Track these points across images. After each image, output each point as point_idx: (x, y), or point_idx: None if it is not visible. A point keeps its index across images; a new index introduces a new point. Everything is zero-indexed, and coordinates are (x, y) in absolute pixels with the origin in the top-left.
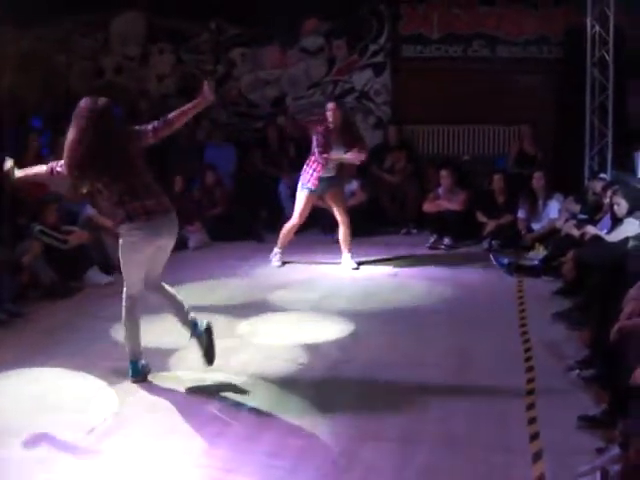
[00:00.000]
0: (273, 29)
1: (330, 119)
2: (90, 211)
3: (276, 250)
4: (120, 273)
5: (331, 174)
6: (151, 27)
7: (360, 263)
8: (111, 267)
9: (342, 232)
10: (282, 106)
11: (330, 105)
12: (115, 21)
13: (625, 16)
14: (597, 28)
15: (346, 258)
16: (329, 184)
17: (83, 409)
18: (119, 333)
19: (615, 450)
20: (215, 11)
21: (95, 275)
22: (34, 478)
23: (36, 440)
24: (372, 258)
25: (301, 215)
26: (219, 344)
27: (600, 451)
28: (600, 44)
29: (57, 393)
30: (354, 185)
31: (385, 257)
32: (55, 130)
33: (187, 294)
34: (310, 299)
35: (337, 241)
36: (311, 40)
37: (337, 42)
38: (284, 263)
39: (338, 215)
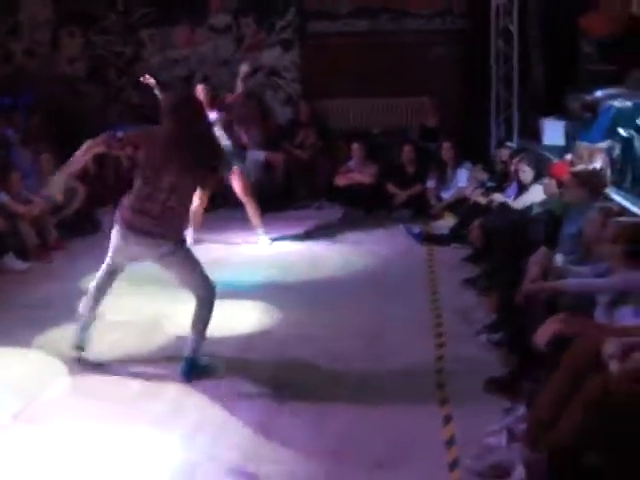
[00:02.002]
0: (181, 8)
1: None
2: (3, 197)
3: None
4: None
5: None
6: (60, 10)
7: (274, 239)
8: (27, 253)
9: (249, 210)
10: (191, 85)
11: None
12: (23, 5)
13: None
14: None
15: (260, 235)
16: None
17: (6, 395)
18: (37, 319)
19: (520, 409)
20: None
21: (11, 262)
22: None
23: None
24: (285, 233)
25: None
26: (137, 326)
27: (507, 411)
28: (504, 15)
29: None
30: (261, 156)
31: (298, 232)
32: None
33: (90, 280)
34: (225, 276)
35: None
36: (219, 18)
37: (245, 20)
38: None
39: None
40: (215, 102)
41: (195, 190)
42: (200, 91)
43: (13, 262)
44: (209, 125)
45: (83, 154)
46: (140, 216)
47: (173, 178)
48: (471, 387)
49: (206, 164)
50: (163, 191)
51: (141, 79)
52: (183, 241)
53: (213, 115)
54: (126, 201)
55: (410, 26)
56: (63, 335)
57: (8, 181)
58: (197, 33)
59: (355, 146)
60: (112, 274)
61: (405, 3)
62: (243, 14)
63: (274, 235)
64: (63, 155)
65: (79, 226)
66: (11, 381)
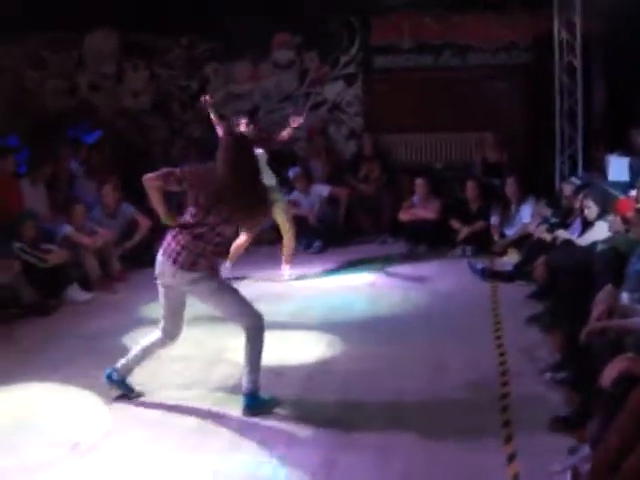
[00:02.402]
0: (244, 44)
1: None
2: (68, 229)
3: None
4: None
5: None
6: (124, 44)
7: (335, 272)
8: (90, 284)
9: (286, 242)
10: (255, 120)
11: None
12: (88, 38)
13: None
14: (564, 34)
15: (285, 269)
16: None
17: (65, 426)
18: (97, 350)
19: (585, 450)
20: (187, 27)
21: (74, 292)
22: None
23: (17, 457)
24: (349, 268)
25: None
26: (196, 359)
27: (572, 451)
28: (567, 50)
29: (38, 411)
30: (325, 191)
31: (362, 267)
32: (32, 148)
33: (152, 310)
34: (285, 311)
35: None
36: (282, 53)
37: (309, 54)
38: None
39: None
40: (261, 137)
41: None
42: (242, 125)
43: (77, 293)
44: (255, 169)
45: (154, 192)
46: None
47: (219, 220)
48: (536, 426)
49: (251, 212)
50: (211, 230)
51: (202, 98)
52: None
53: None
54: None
55: (473, 61)
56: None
57: (72, 213)
58: (260, 68)
59: (419, 181)
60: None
61: (468, 38)
62: (307, 49)
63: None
64: (126, 188)
65: (142, 258)
66: (70, 412)
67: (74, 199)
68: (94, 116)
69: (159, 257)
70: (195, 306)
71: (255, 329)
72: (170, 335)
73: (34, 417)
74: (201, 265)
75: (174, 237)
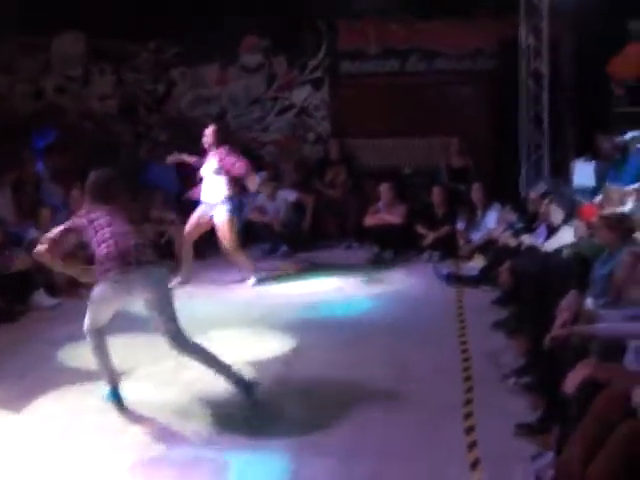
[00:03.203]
0: (212, 47)
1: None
2: (34, 234)
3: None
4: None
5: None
6: (91, 48)
7: (301, 277)
8: (56, 290)
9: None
10: (223, 123)
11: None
12: (55, 42)
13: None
14: (531, 40)
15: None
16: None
17: (35, 434)
18: (66, 355)
19: (549, 456)
20: (154, 31)
21: (41, 298)
22: None
23: None
24: (313, 273)
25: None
26: (163, 364)
27: (535, 457)
28: (534, 55)
29: (7, 419)
30: (292, 196)
31: (327, 271)
32: None
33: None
34: (250, 317)
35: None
36: (250, 57)
37: (276, 59)
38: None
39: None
40: (223, 145)
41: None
42: (210, 131)
43: (43, 298)
44: None
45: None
46: None
47: None
48: (499, 432)
49: None
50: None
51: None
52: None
53: (216, 156)
54: None
55: (439, 66)
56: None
57: (38, 217)
58: (228, 71)
59: (384, 186)
60: None
61: (434, 44)
62: (274, 53)
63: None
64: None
65: None
66: (43, 417)
67: (40, 203)
68: (61, 119)
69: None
70: None
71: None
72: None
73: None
74: None
75: None
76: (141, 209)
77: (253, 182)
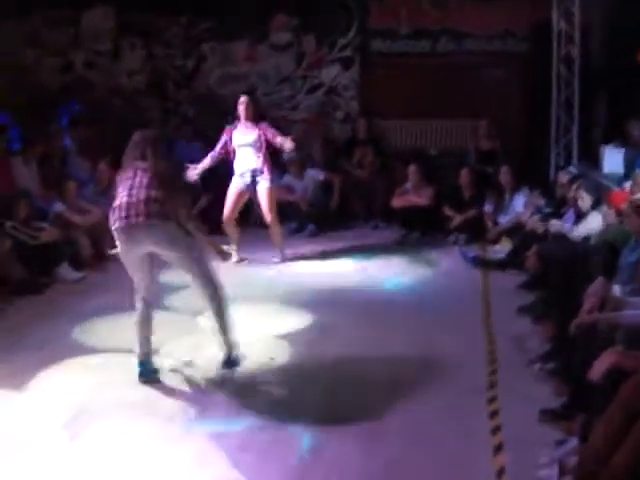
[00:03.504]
0: (242, 24)
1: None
2: (60, 207)
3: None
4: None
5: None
6: (121, 22)
7: (327, 256)
8: (81, 263)
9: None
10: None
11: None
12: (85, 16)
13: None
14: (563, 25)
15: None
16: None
17: (55, 405)
18: (89, 329)
19: (573, 442)
20: (185, 5)
21: (65, 271)
22: None
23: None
24: (341, 252)
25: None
26: (186, 340)
27: (559, 443)
28: (566, 40)
29: (29, 389)
30: (320, 176)
31: (354, 251)
32: (24, 125)
33: None
34: (275, 295)
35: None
36: (280, 35)
37: (306, 37)
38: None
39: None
40: (257, 117)
41: None
42: (242, 103)
43: (68, 272)
44: None
45: None
46: None
47: None
48: (523, 417)
49: None
50: None
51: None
52: None
53: (255, 129)
54: None
55: (470, 48)
56: (116, 343)
57: (64, 190)
58: (258, 49)
59: (412, 168)
60: None
61: (466, 25)
62: (304, 31)
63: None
64: (120, 166)
65: None
66: (64, 390)
67: (66, 176)
68: (89, 94)
69: None
70: None
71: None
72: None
73: (27, 395)
74: None
75: None
76: (173, 175)
77: (291, 145)
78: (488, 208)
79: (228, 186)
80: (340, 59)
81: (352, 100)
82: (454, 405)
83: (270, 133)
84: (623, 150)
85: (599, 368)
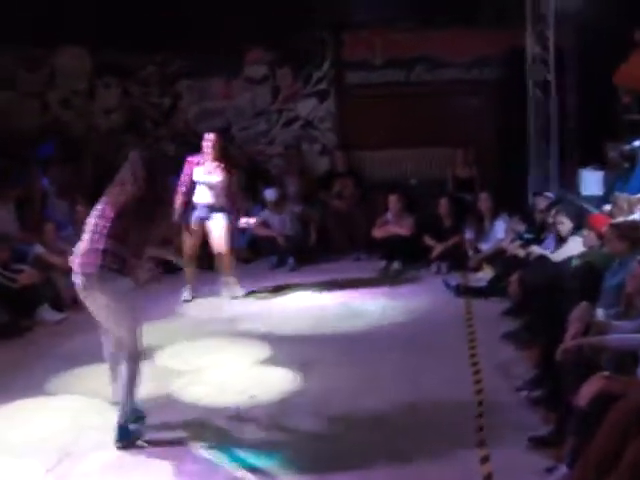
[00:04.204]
0: (217, 60)
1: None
2: (39, 249)
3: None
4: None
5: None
6: (96, 61)
7: (308, 289)
8: (62, 305)
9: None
10: (228, 136)
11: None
12: (59, 56)
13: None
14: (537, 48)
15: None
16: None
17: (37, 450)
18: (71, 371)
19: (563, 469)
20: (160, 44)
21: (46, 313)
22: None
23: None
24: (322, 285)
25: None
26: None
27: (549, 471)
28: (540, 64)
29: (10, 434)
30: (298, 210)
31: (335, 284)
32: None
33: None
34: (260, 330)
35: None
36: (255, 69)
37: (281, 71)
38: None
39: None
40: (223, 158)
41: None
42: (208, 140)
43: (49, 313)
44: None
45: None
46: None
47: None
48: (512, 445)
49: None
50: None
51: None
52: None
53: (216, 171)
54: None
55: (445, 76)
56: (97, 386)
57: (43, 232)
58: (233, 84)
59: (392, 198)
60: None
61: (440, 53)
62: (279, 65)
63: (311, 286)
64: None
65: None
66: (45, 434)
67: (45, 218)
68: (65, 134)
69: None
70: None
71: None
72: None
73: (7, 440)
74: None
75: None
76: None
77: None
78: (469, 235)
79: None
80: (316, 92)
81: (329, 132)
82: (441, 434)
83: (231, 190)
84: (601, 172)
85: (586, 393)
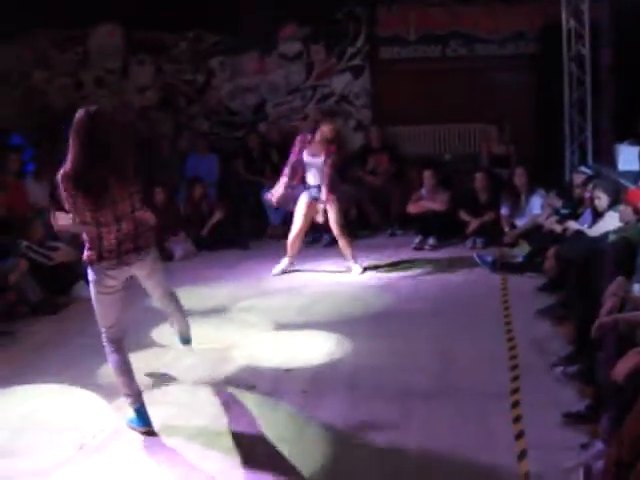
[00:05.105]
0: (251, 36)
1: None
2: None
3: (285, 259)
4: None
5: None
6: (130, 39)
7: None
8: None
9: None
10: (262, 113)
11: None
12: (93, 35)
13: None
14: (572, 23)
15: (351, 265)
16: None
17: (72, 426)
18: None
19: (598, 446)
20: (193, 20)
21: (82, 290)
22: None
23: (26, 458)
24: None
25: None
26: (206, 354)
27: (584, 447)
28: (576, 39)
29: (46, 411)
30: None
31: (370, 260)
32: (37, 146)
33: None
34: (293, 306)
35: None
36: (289, 46)
37: (315, 47)
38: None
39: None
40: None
41: None
42: (332, 129)
43: (84, 290)
44: None
45: None
46: None
47: None
48: (547, 421)
49: None
50: None
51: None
52: None
53: (328, 152)
54: None
55: (480, 51)
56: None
57: None
58: (267, 61)
59: (427, 173)
60: None
61: (475, 28)
62: (313, 41)
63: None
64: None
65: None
66: (80, 411)
67: None
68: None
69: None
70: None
71: None
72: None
73: (42, 417)
74: None
75: None
76: None
77: None
78: (504, 211)
79: (240, 202)
80: (350, 68)
81: (364, 108)
82: (477, 411)
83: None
84: (638, 147)
85: (622, 369)
